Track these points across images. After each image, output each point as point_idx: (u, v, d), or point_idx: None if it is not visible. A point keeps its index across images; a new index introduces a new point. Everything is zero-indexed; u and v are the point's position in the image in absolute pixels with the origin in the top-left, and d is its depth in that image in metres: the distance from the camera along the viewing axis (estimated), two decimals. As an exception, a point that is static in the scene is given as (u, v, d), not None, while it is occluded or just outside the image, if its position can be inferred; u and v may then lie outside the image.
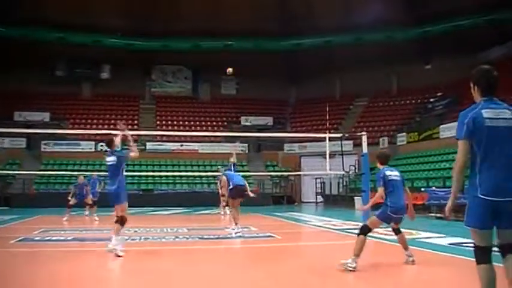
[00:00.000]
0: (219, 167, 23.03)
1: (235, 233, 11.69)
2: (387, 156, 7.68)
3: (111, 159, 9.39)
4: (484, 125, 3.98)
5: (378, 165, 7.56)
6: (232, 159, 17.16)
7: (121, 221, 8.88)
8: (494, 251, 4.00)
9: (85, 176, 18.64)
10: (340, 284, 6.46)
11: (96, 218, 17.17)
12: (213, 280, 6.64)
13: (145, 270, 7.50)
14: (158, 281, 6.49)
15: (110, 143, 9.72)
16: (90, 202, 17.81)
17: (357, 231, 12.37)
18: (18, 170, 29.15)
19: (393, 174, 7.25)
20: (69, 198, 17.39)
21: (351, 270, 6.54)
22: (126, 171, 10.08)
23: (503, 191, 3.88)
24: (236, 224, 12.05)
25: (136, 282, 6.55)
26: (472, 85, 4.24)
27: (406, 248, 7.47)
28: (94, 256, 9.13)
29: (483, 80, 4.19)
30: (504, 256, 3.99)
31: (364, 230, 7.06)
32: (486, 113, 4.02)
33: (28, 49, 34.88)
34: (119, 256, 8.34)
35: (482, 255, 4.02)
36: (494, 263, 4.00)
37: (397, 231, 7.56)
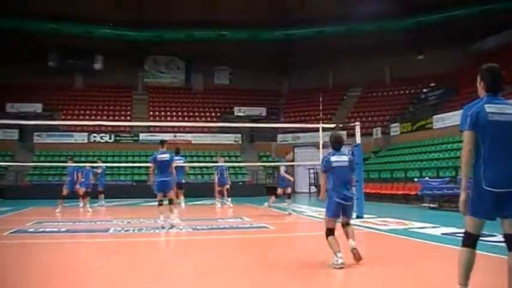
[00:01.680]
0: (219, 156, 23.22)
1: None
2: (336, 139, 7.06)
3: (165, 156, 11.61)
4: (487, 119, 4.13)
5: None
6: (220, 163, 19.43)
7: (172, 202, 11.63)
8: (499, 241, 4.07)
9: (79, 167, 18.62)
10: (332, 274, 6.47)
11: (90, 210, 17.15)
12: (206, 270, 6.65)
13: (139, 261, 7.50)
14: (152, 272, 6.49)
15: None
16: (82, 193, 17.70)
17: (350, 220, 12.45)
18: (11, 162, 29.00)
19: (340, 159, 6.91)
20: (62, 188, 17.37)
21: (341, 268, 6.42)
22: (119, 161, 10.25)
23: (507, 182, 4.03)
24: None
25: (130, 273, 6.54)
26: (478, 80, 4.43)
27: (352, 238, 7.05)
28: (87, 248, 9.13)
29: (489, 76, 4.39)
30: (510, 249, 4.10)
31: (328, 233, 6.82)
32: (489, 108, 4.18)
33: (20, 40, 34.62)
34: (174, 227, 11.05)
35: (470, 240, 4.22)
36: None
37: (344, 225, 7.09)
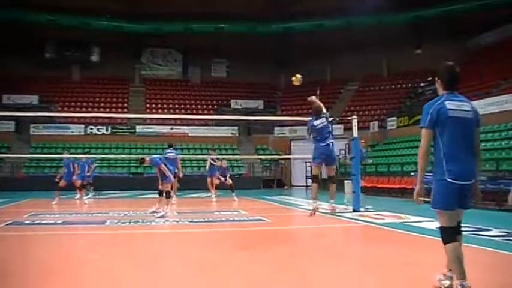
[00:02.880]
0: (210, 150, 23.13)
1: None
2: (316, 109, 9.45)
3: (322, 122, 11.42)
4: (448, 115, 4.40)
5: None
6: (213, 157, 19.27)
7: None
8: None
9: (76, 159, 18.60)
10: (329, 267, 6.49)
11: (86, 202, 17.14)
12: (202, 263, 6.65)
13: (135, 253, 7.50)
14: (148, 265, 6.49)
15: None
16: (78, 185, 17.74)
17: (346, 214, 12.50)
18: (7, 154, 28.94)
19: (320, 122, 10.83)
20: (57, 180, 17.33)
21: (313, 212, 8.92)
22: (116, 154, 10.29)
23: (467, 175, 4.37)
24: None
25: (127, 266, 6.54)
26: (436, 79, 4.68)
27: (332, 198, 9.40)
28: (84, 240, 9.12)
29: (447, 75, 4.61)
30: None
31: (314, 179, 8.86)
32: (449, 105, 4.45)
33: (17, 32, 34.50)
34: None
35: (450, 234, 4.46)
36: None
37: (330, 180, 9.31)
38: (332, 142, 11.36)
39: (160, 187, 13.04)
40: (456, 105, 4.46)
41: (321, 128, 11.34)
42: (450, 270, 4.66)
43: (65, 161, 17.93)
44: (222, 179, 18.84)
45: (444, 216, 4.47)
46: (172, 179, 13.67)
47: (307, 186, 32.40)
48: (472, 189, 4.50)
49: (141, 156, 14.55)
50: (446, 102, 4.45)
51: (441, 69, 4.66)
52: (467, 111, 4.47)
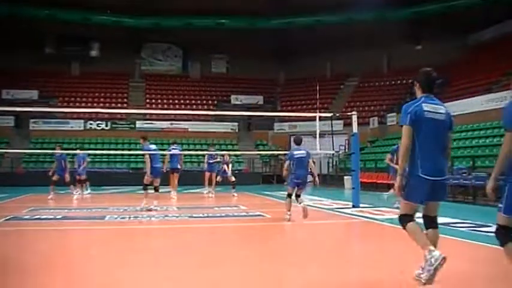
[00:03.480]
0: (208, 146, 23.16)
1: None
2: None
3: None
4: (424, 116, 4.75)
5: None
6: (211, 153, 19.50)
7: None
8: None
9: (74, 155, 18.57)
10: (327, 263, 6.50)
11: (75, 196, 17.14)
12: (202, 258, 6.66)
13: (135, 249, 7.50)
14: (147, 260, 6.49)
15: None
16: (67, 180, 17.60)
17: (346, 210, 12.51)
18: (7, 149, 28.90)
19: (300, 153, 10.99)
20: (50, 174, 17.26)
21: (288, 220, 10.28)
22: (115, 149, 10.27)
23: (439, 172, 4.74)
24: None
25: (126, 261, 6.55)
26: (415, 83, 5.11)
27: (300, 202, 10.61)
28: (83, 235, 9.13)
29: (425, 80, 5.04)
30: (427, 228, 4.98)
31: (288, 195, 10.75)
32: (426, 107, 4.81)
33: (17, 26, 34.41)
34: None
35: (408, 218, 4.91)
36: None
37: (297, 197, 10.72)
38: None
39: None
40: (433, 107, 4.83)
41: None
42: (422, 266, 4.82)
43: (57, 156, 17.88)
44: (225, 175, 18.75)
45: (409, 207, 4.90)
46: (158, 175, 13.46)
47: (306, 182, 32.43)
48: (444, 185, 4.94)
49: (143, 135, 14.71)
50: (423, 105, 4.82)
51: (420, 74, 5.10)
52: (442, 113, 4.85)
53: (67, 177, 17.43)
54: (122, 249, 7.50)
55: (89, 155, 19.12)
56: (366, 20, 35.73)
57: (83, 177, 18.61)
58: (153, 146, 14.13)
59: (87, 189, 19.12)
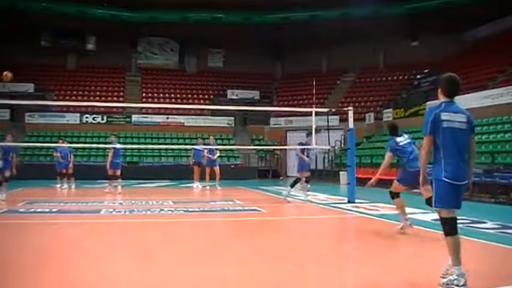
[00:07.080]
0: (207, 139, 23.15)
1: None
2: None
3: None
4: (442, 126, 4.85)
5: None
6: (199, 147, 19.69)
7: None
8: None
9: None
10: (324, 259, 6.52)
11: (58, 187, 18.31)
12: (197, 253, 6.67)
13: (130, 242, 7.52)
14: (143, 254, 6.50)
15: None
16: (71, 172, 18.59)
17: (341, 205, 12.53)
18: (2, 142, 28.77)
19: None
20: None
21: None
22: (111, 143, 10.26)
23: (461, 176, 4.83)
24: None
25: (122, 255, 6.56)
26: (438, 88, 5.10)
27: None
28: (78, 228, 9.12)
29: (448, 85, 5.03)
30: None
31: (293, 184, 12.22)
32: (444, 116, 4.88)
33: (12, 19, 34.26)
34: None
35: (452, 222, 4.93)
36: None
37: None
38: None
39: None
40: (451, 116, 4.89)
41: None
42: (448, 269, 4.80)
43: (61, 149, 18.70)
44: (213, 165, 18.93)
45: (443, 211, 4.90)
46: (117, 167, 16.68)
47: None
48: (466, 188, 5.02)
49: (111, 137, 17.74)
50: (442, 113, 4.88)
51: (443, 78, 5.10)
52: (461, 122, 4.91)
53: (70, 167, 18.65)
54: (117, 243, 7.51)
55: (85, 148, 19.44)
56: (363, 15, 35.68)
57: (70, 171, 19.10)
58: (118, 145, 17.22)
59: (74, 184, 19.38)
